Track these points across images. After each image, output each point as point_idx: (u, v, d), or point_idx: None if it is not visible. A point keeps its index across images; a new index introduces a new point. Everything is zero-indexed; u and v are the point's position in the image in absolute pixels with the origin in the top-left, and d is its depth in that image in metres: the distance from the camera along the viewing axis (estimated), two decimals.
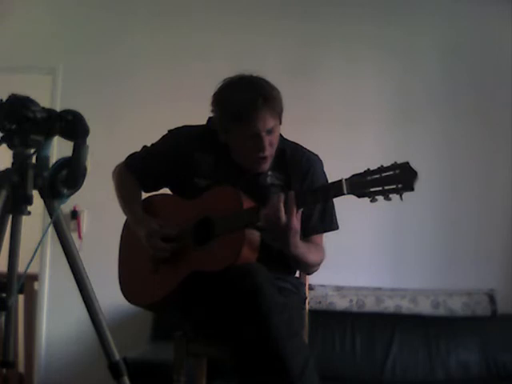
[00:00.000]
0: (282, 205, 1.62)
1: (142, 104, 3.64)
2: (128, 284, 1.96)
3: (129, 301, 1.93)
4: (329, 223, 1.94)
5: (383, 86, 3.63)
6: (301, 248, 1.72)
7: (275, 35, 3.65)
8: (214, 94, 1.85)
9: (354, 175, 1.56)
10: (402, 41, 3.65)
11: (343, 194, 1.57)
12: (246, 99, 1.75)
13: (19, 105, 1.43)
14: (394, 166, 1.50)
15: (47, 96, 3.64)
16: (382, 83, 3.63)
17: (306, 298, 2.03)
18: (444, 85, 3.60)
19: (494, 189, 3.55)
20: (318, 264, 1.89)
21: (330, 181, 1.91)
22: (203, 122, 1.96)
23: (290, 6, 3.70)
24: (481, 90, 3.59)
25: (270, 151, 1.82)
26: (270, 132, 1.79)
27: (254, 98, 1.75)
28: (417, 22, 3.66)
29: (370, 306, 3.31)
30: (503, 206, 3.52)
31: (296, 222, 1.63)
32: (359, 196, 1.55)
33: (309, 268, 1.90)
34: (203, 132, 1.93)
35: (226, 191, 1.79)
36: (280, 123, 1.85)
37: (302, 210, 1.67)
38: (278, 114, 1.82)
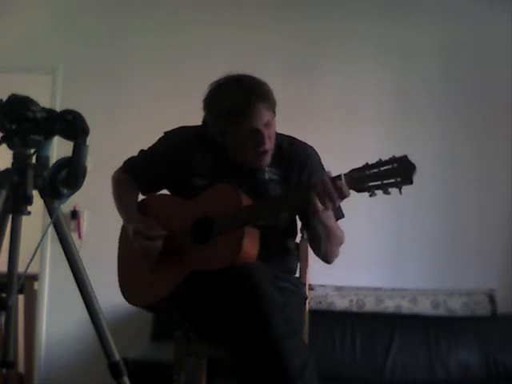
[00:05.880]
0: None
1: (141, 104, 3.64)
2: (127, 285, 1.95)
3: (129, 302, 1.92)
4: (339, 211, 1.92)
5: (383, 85, 3.63)
6: (333, 220, 1.77)
7: (275, 35, 3.65)
8: (205, 100, 1.85)
9: (352, 170, 1.58)
10: (402, 41, 3.65)
11: None
12: (239, 98, 1.76)
13: (19, 105, 1.43)
14: (393, 160, 1.51)
15: (47, 96, 3.64)
16: (382, 83, 3.63)
17: (306, 298, 2.03)
18: (444, 85, 3.60)
19: (494, 189, 3.54)
20: (340, 244, 1.89)
21: None
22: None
23: (289, 5, 3.69)
24: (481, 89, 3.59)
25: (269, 144, 1.84)
26: (267, 125, 1.81)
27: (246, 95, 1.76)
28: (417, 21, 3.66)
29: (370, 306, 3.31)
30: (503, 206, 3.52)
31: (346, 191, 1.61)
32: (358, 191, 1.56)
33: (334, 247, 1.88)
34: (200, 132, 1.93)
35: (225, 189, 1.79)
36: (274, 115, 1.86)
37: None
38: (272, 106, 1.83)
